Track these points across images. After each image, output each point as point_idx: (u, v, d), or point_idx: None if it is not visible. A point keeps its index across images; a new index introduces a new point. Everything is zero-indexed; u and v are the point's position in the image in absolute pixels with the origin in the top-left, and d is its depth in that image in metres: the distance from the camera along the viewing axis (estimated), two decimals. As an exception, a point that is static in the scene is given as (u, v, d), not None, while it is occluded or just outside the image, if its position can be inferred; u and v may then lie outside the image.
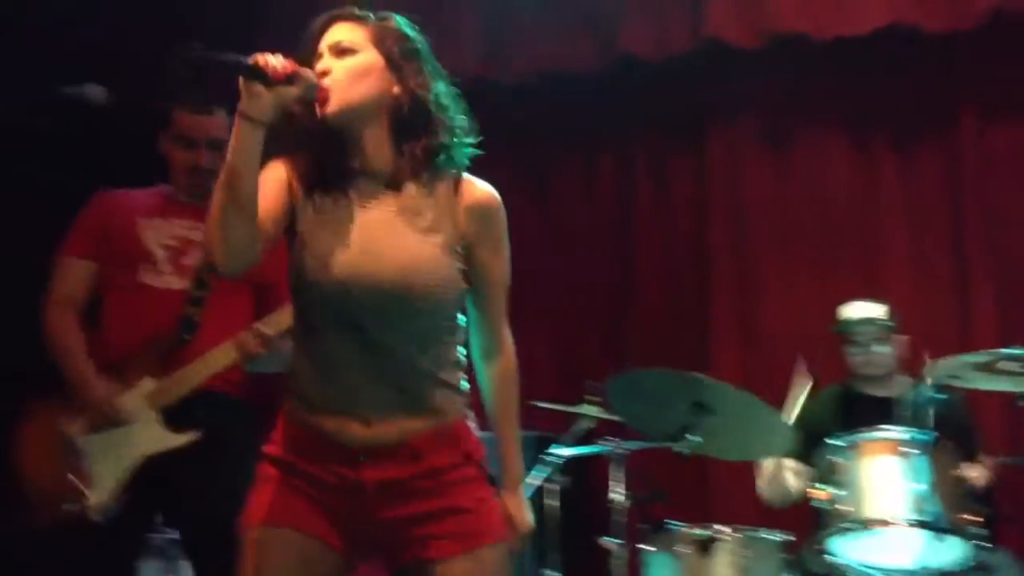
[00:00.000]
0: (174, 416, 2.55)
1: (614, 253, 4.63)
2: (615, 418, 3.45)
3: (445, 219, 1.83)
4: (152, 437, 2.52)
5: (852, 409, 3.53)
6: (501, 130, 4.72)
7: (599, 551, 3.28)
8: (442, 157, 1.84)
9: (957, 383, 3.16)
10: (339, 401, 1.80)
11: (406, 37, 1.85)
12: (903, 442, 3.04)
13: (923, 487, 2.95)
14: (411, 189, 1.83)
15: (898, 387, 3.54)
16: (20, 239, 2.86)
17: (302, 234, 1.83)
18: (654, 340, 4.39)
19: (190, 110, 2.76)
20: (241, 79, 1.69)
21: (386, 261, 1.78)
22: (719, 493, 4.11)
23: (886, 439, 3.09)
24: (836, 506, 3.04)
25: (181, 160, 2.75)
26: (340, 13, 1.86)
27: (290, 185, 1.85)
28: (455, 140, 1.85)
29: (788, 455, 3.41)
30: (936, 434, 3.04)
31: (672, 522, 3.26)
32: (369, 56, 1.81)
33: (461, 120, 1.87)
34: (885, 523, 2.95)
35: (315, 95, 1.76)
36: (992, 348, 3.04)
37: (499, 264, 1.90)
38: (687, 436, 3.13)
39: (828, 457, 3.14)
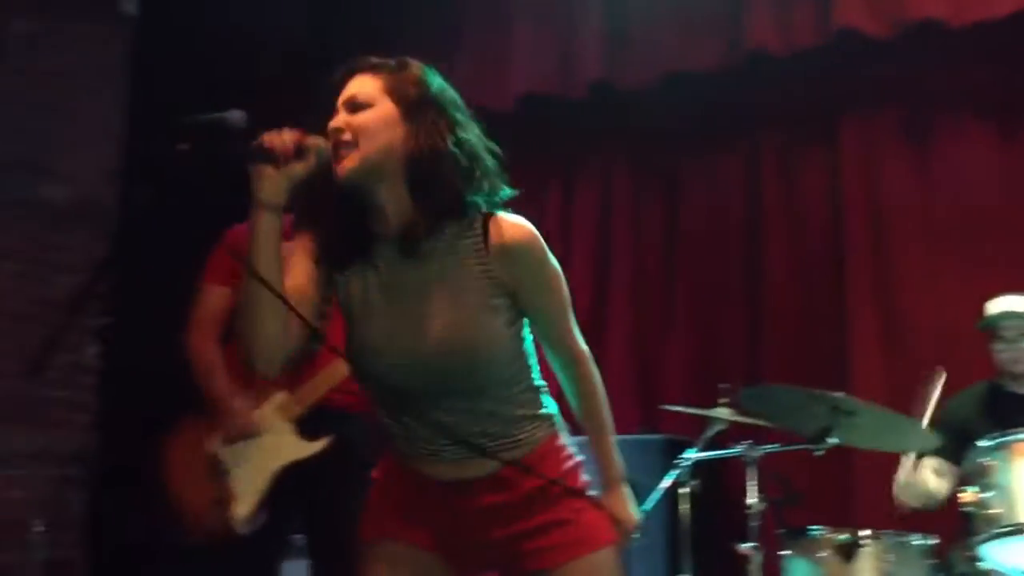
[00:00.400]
0: (306, 427, 2.62)
1: (744, 255, 4.54)
2: (749, 421, 3.40)
3: (476, 273, 1.77)
4: (286, 447, 2.60)
5: (999, 408, 3.38)
6: (624, 135, 4.82)
7: (733, 557, 3.22)
8: (465, 208, 1.76)
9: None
10: (423, 454, 1.85)
11: (423, 84, 1.77)
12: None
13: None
14: (437, 248, 1.77)
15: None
16: (164, 265, 2.98)
17: (343, 310, 1.85)
18: (788, 343, 4.29)
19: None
20: (251, 165, 1.68)
21: (424, 338, 1.75)
22: (861, 496, 3.97)
23: (1038, 439, 2.95)
24: (985, 509, 2.91)
25: None
26: (357, 65, 1.81)
27: (325, 272, 1.83)
28: (480, 189, 1.76)
29: (931, 455, 3.31)
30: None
31: (814, 526, 3.19)
32: (383, 108, 1.74)
33: (488, 166, 1.78)
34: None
35: (329, 158, 1.71)
36: None
37: (546, 296, 1.85)
38: (827, 439, 3.07)
39: (976, 459, 3.01)
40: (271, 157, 1.68)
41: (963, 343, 3.71)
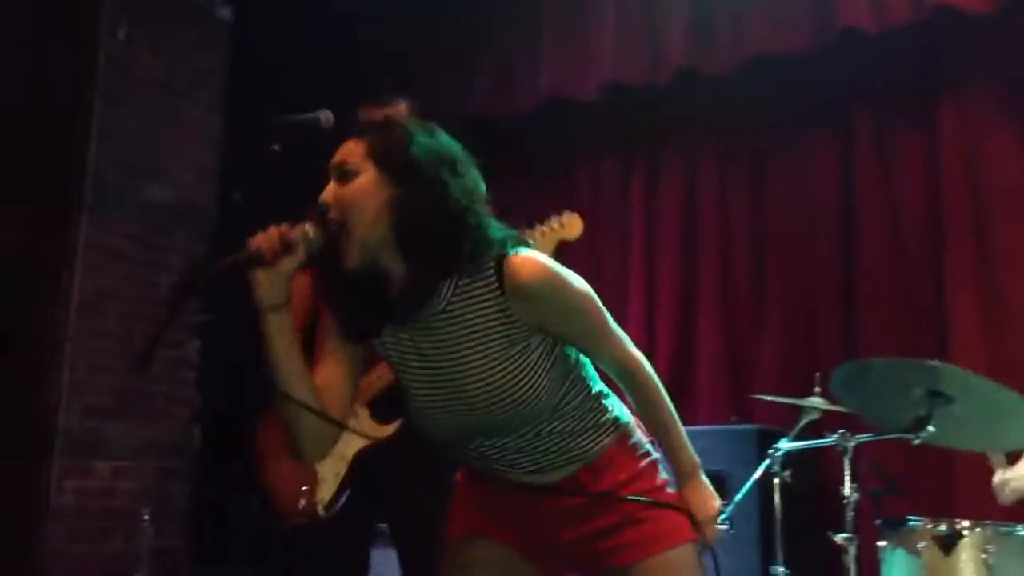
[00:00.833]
0: (377, 410, 2.60)
1: (838, 240, 4.42)
2: (843, 409, 3.34)
3: (498, 320, 1.74)
4: (362, 430, 2.57)
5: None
6: (710, 122, 4.77)
7: (829, 547, 3.17)
8: (461, 264, 1.72)
9: None
10: (494, 470, 1.88)
11: (406, 146, 1.71)
12: None
13: None
14: (455, 302, 1.74)
15: None
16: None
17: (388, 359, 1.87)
18: (884, 331, 4.16)
19: (370, 104, 2.76)
20: (243, 274, 1.66)
21: (465, 395, 1.77)
22: (961, 484, 3.84)
23: None
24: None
25: None
26: (353, 130, 1.79)
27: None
28: (477, 239, 1.71)
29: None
30: None
31: (912, 517, 3.12)
32: (367, 176, 1.70)
33: (480, 216, 1.73)
34: None
35: (320, 241, 1.69)
36: None
37: (575, 323, 1.81)
38: (927, 428, 3.00)
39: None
40: (260, 260, 1.66)
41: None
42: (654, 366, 1.94)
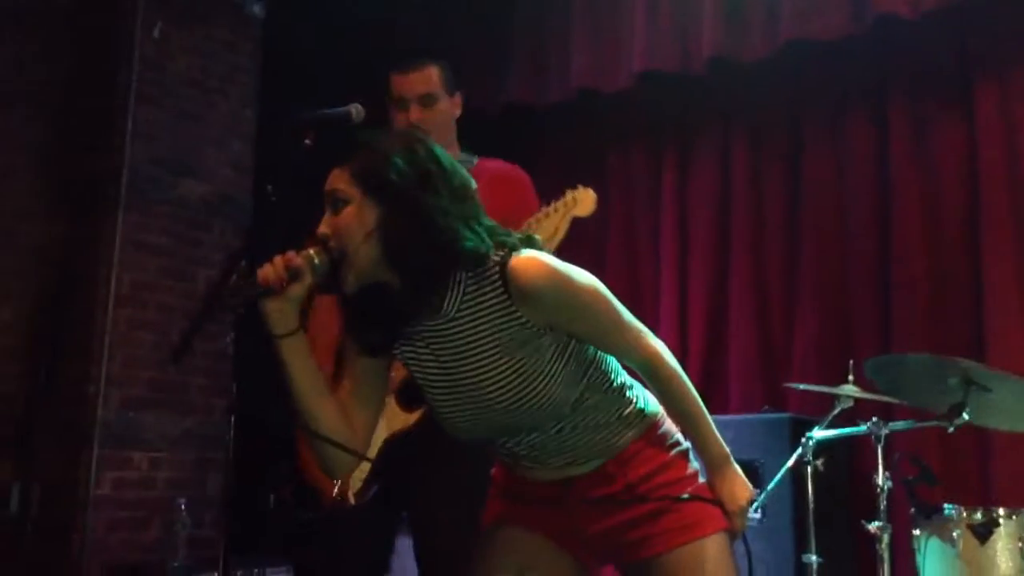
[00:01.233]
0: (403, 396, 2.56)
1: (873, 227, 4.35)
2: (876, 397, 3.32)
3: (508, 324, 1.76)
4: (388, 419, 2.55)
5: None
6: (743, 109, 4.74)
7: (862, 536, 3.16)
8: (452, 270, 1.75)
9: None
10: (523, 465, 1.92)
11: (384, 168, 1.73)
12: None
13: None
14: (463, 310, 1.77)
15: None
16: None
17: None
18: (920, 318, 4.09)
19: (399, 71, 2.73)
20: (253, 305, 1.71)
21: (484, 401, 1.79)
22: (997, 472, 3.78)
23: None
24: None
25: (398, 123, 2.70)
26: (342, 157, 1.81)
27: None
28: (457, 249, 1.72)
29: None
30: None
31: (948, 505, 3.10)
32: (355, 204, 1.74)
33: (468, 226, 1.74)
34: None
35: (326, 263, 1.74)
36: None
37: (585, 320, 1.81)
38: (963, 415, 2.98)
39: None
40: (268, 291, 1.71)
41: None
42: (686, 357, 1.95)
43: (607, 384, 1.88)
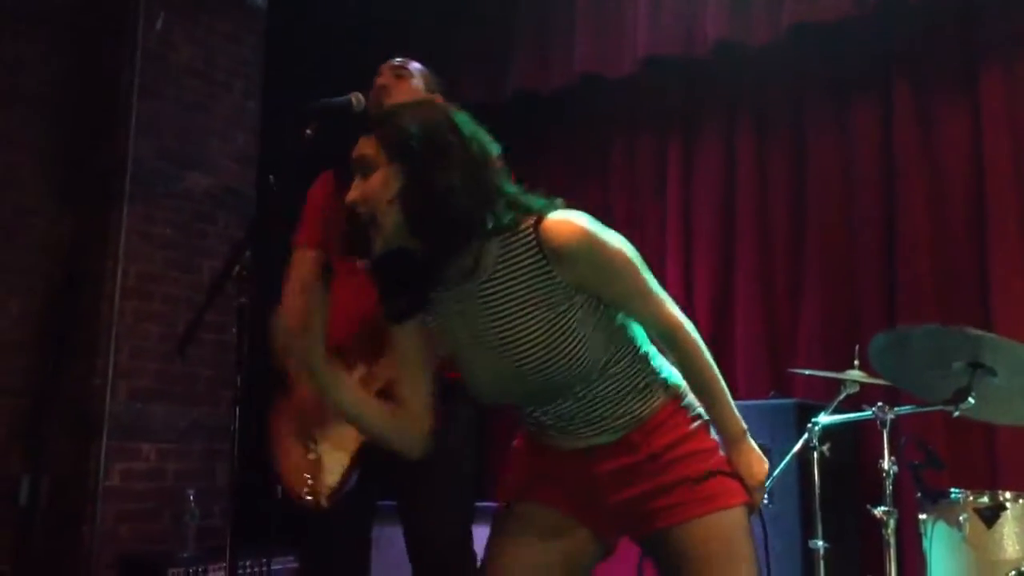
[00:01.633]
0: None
1: (878, 211, 4.32)
2: (882, 382, 3.31)
3: (542, 282, 1.79)
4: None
5: None
6: (748, 92, 4.72)
7: (868, 521, 3.15)
8: (495, 228, 1.78)
9: None
10: (549, 434, 1.93)
11: (407, 132, 1.77)
12: None
13: None
14: (493, 271, 1.80)
15: None
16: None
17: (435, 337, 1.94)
18: (926, 303, 4.07)
19: (386, 67, 2.82)
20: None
21: (515, 360, 1.81)
22: (1005, 457, 3.77)
23: None
24: None
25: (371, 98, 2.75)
26: (367, 123, 1.85)
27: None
28: (499, 209, 1.78)
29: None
30: None
31: (954, 489, 3.09)
32: (382, 170, 1.77)
33: (496, 184, 1.79)
34: None
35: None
36: None
37: (617, 283, 1.83)
38: (968, 399, 2.96)
39: None
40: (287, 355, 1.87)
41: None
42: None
43: (633, 352, 1.89)
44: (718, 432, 1.93)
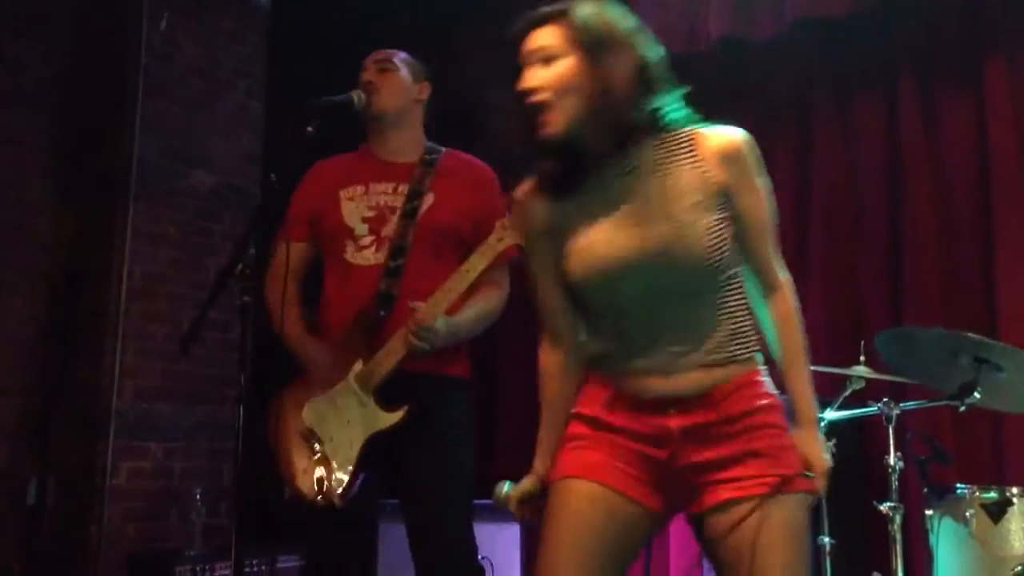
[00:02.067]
0: (384, 395, 2.60)
1: (883, 208, 4.29)
2: (888, 378, 3.31)
3: (693, 177, 1.84)
4: (370, 418, 2.58)
5: None
6: (752, 89, 4.70)
7: (875, 516, 3.15)
8: (663, 126, 1.87)
9: None
10: (635, 363, 1.87)
11: (597, 29, 1.84)
12: None
13: None
14: (648, 164, 1.86)
15: None
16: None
17: (563, 239, 1.92)
18: (932, 300, 4.07)
19: (376, 54, 2.86)
20: None
21: (647, 231, 1.82)
22: (1012, 452, 3.74)
23: None
24: None
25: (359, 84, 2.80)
26: (535, 17, 1.89)
27: (549, 242, 1.95)
28: (667, 106, 1.87)
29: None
30: None
31: (961, 485, 3.08)
32: (570, 60, 1.83)
33: (668, 84, 1.88)
34: None
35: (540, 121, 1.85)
36: None
37: (759, 204, 1.89)
38: (973, 394, 2.96)
39: None
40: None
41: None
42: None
43: (743, 299, 1.90)
44: (795, 409, 1.90)
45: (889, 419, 3.18)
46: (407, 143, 2.87)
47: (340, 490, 2.56)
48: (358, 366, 2.63)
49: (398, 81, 2.85)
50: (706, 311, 1.85)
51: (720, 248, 1.82)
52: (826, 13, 4.20)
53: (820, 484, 1.85)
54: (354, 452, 2.58)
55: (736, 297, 1.88)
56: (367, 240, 2.73)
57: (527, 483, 2.00)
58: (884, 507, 3.11)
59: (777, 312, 1.91)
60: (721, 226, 1.83)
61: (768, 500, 1.78)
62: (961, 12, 4.19)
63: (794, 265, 4.57)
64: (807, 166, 4.56)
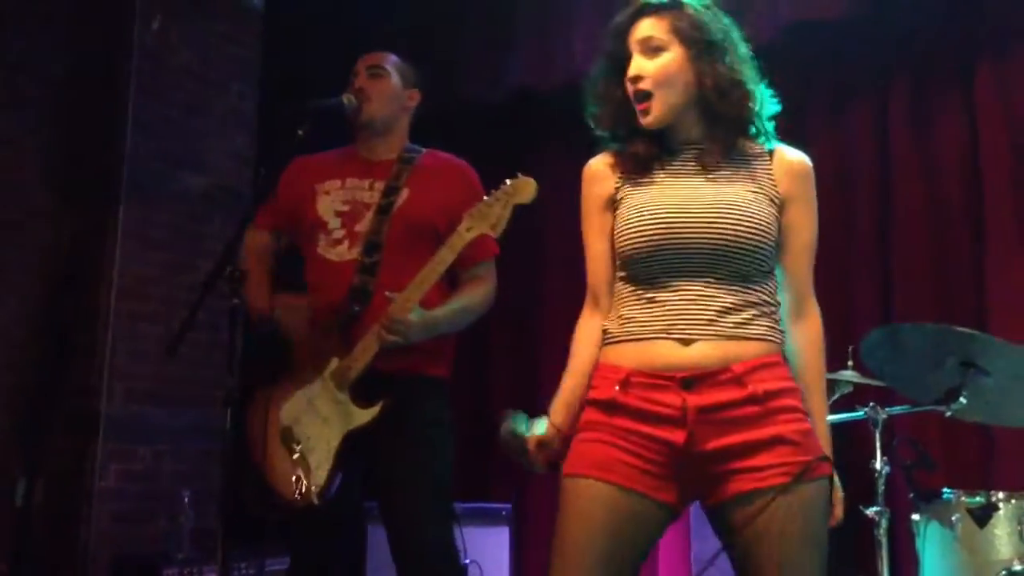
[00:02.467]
0: (359, 392, 2.60)
1: (874, 210, 4.30)
2: (875, 383, 3.32)
3: (760, 177, 1.94)
4: (346, 416, 2.59)
5: None
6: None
7: (862, 520, 3.16)
8: (750, 130, 1.98)
9: None
10: (659, 323, 1.88)
11: (706, 24, 1.94)
12: None
13: None
14: (726, 157, 1.96)
15: None
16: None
17: (622, 205, 1.98)
18: (923, 300, 4.06)
19: (367, 54, 2.90)
20: None
21: (702, 206, 1.89)
22: (999, 457, 3.75)
23: None
24: None
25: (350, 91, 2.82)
26: (642, 8, 1.98)
27: (612, 197, 2.02)
28: (759, 112, 1.97)
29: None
30: None
31: (947, 489, 3.09)
32: (675, 53, 1.93)
33: (762, 91, 1.99)
34: None
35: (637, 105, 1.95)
36: None
37: (809, 225, 1.97)
38: (959, 399, 2.97)
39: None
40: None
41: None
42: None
43: (775, 298, 1.95)
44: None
45: (875, 423, 3.19)
46: (391, 145, 2.90)
47: (317, 489, 2.56)
48: (333, 363, 2.63)
49: (389, 89, 2.86)
50: (742, 293, 1.88)
51: (769, 235, 1.89)
52: (820, 16, 4.21)
53: (839, 513, 1.93)
54: (331, 451, 2.58)
55: (770, 294, 1.93)
56: (339, 234, 2.74)
57: (545, 430, 2.00)
58: (870, 512, 3.12)
59: (805, 337, 1.94)
60: (774, 220, 1.92)
61: (790, 488, 1.78)
62: (952, 15, 4.20)
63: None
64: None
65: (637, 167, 2.00)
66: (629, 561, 1.87)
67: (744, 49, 1.99)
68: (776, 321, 1.92)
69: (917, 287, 4.13)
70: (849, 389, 3.38)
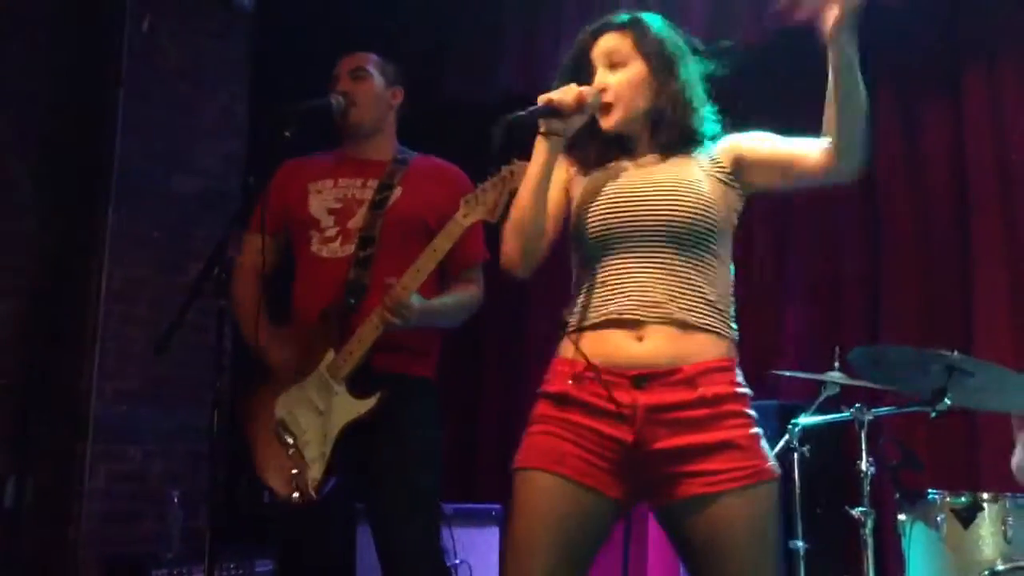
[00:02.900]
0: (356, 385, 2.61)
1: (862, 214, 4.35)
2: (862, 384, 3.33)
3: (705, 164, 2.03)
4: (343, 408, 2.59)
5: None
6: (733, 97, 4.72)
7: (849, 521, 3.17)
8: (692, 146, 2.05)
9: None
10: (609, 306, 1.93)
11: (663, 43, 2.06)
12: None
13: None
14: (674, 154, 2.05)
15: None
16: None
17: (576, 198, 2.07)
18: (909, 305, 4.12)
19: (346, 56, 2.90)
20: (537, 119, 1.98)
21: (649, 184, 1.98)
22: (984, 456, 3.78)
23: None
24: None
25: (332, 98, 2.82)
26: (606, 23, 2.09)
27: (567, 183, 2.12)
28: (703, 131, 2.06)
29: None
30: None
31: (932, 490, 3.11)
32: (636, 68, 2.04)
33: (707, 111, 2.08)
34: None
35: (599, 110, 2.04)
36: None
37: (762, 136, 2.09)
38: (944, 400, 2.99)
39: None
40: (557, 112, 1.96)
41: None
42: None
43: (728, 291, 2.01)
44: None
45: (862, 424, 3.20)
46: (381, 146, 2.91)
47: (314, 484, 2.56)
48: (329, 356, 2.64)
49: (373, 90, 2.88)
50: (691, 278, 1.92)
51: (711, 208, 1.95)
52: (807, 21, 4.21)
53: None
54: (328, 444, 2.58)
55: (720, 278, 1.97)
56: (332, 232, 2.75)
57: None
58: (856, 512, 3.13)
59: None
60: (720, 197, 1.98)
61: (740, 492, 1.81)
62: (939, 22, 4.23)
63: (772, 273, 4.67)
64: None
65: (590, 164, 2.10)
66: (582, 552, 1.90)
67: (696, 68, 2.09)
68: (727, 318, 1.96)
69: (904, 292, 4.18)
70: (836, 390, 3.39)
